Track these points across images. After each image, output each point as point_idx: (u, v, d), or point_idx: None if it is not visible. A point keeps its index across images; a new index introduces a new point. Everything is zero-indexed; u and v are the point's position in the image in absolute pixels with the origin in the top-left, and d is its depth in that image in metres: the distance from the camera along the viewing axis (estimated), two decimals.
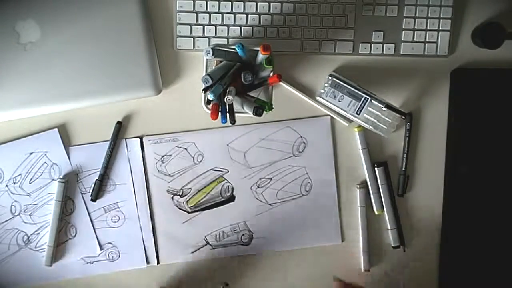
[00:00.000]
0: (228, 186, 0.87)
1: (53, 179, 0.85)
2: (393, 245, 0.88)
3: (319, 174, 0.88)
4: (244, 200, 0.87)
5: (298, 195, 0.88)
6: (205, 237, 0.87)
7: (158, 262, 0.87)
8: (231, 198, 0.87)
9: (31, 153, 0.85)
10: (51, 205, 0.85)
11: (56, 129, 0.85)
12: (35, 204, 0.85)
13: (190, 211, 0.87)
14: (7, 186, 0.85)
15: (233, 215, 0.87)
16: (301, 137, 0.87)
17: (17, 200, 0.85)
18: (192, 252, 0.87)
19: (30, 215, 0.85)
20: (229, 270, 0.88)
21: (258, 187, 0.87)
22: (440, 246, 0.89)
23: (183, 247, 0.87)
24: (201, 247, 0.87)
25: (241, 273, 0.88)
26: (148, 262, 0.87)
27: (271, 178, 0.87)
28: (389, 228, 0.88)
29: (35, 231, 0.86)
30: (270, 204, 0.88)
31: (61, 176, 0.85)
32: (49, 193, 0.85)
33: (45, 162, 0.85)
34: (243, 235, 0.88)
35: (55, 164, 0.85)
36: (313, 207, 0.88)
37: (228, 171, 0.87)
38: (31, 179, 0.85)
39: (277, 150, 0.87)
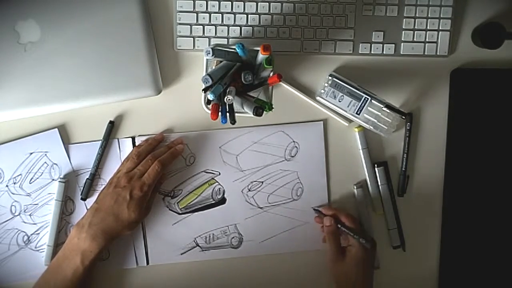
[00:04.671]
0: (219, 188, 0.87)
1: (53, 179, 0.85)
2: (393, 245, 0.88)
3: (311, 179, 0.87)
4: (235, 203, 0.87)
5: (289, 199, 0.88)
6: (195, 239, 0.87)
7: (147, 263, 0.87)
8: (222, 201, 0.87)
9: (31, 153, 0.85)
10: (51, 205, 0.85)
11: (56, 129, 0.85)
12: (35, 204, 0.85)
13: (180, 212, 0.87)
14: (7, 186, 0.85)
15: (223, 217, 0.87)
16: (294, 141, 0.87)
17: (17, 200, 0.85)
18: (182, 254, 0.87)
19: (30, 215, 0.85)
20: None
21: (249, 190, 0.87)
22: (440, 246, 0.89)
23: (172, 248, 0.87)
24: (190, 249, 0.87)
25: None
26: (137, 263, 0.87)
27: (262, 182, 0.87)
28: (389, 228, 0.88)
29: (35, 231, 0.86)
30: (261, 208, 0.87)
31: (61, 176, 0.85)
32: (49, 193, 0.85)
33: (45, 162, 0.85)
34: (233, 238, 0.87)
35: (55, 164, 0.85)
36: (304, 212, 0.87)
37: (219, 174, 0.87)
38: (31, 179, 0.85)
39: (269, 154, 0.87)
